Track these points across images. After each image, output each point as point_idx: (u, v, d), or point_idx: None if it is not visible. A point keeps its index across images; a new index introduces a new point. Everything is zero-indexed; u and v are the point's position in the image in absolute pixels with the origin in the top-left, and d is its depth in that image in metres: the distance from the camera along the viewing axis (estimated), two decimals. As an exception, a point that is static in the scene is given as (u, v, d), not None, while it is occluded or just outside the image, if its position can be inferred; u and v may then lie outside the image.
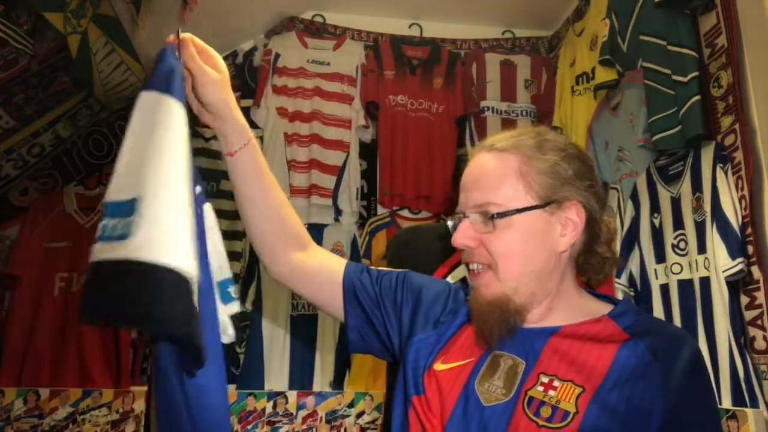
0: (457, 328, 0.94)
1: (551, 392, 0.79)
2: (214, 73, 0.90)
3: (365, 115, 2.72)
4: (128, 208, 0.70)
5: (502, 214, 0.87)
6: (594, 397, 0.77)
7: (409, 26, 2.88)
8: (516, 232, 0.87)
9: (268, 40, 2.77)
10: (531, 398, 0.79)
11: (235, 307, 0.93)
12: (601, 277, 0.94)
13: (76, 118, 2.48)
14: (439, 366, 0.89)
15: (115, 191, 0.72)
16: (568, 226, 0.88)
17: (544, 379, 0.81)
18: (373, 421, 2.28)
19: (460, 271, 1.33)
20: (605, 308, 0.90)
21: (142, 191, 0.71)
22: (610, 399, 0.77)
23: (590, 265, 0.93)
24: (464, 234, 0.90)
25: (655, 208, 1.84)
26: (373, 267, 1.06)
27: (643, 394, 0.77)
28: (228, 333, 0.90)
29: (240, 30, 2.77)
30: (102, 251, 0.69)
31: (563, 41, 2.65)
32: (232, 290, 0.94)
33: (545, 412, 0.77)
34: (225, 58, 2.76)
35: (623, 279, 1.89)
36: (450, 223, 0.96)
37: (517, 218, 0.87)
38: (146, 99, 0.78)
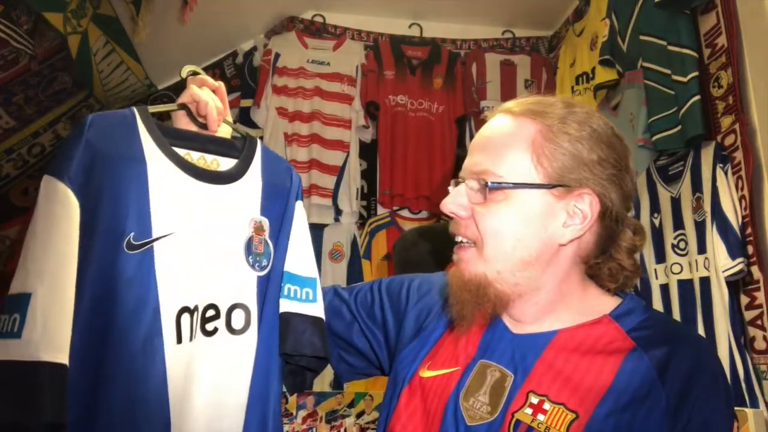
0: (444, 327, 0.86)
1: (540, 416, 0.70)
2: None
3: (365, 115, 2.72)
4: (19, 303, 0.70)
5: (498, 185, 0.75)
6: (587, 427, 0.68)
7: (409, 26, 2.88)
8: (512, 209, 0.75)
9: (268, 40, 2.77)
10: (518, 422, 0.70)
11: (316, 309, 0.91)
12: (614, 287, 0.82)
13: (76, 118, 2.48)
14: (424, 372, 0.81)
15: (13, 285, 0.73)
16: (575, 216, 0.76)
17: (534, 400, 0.71)
18: (373, 421, 2.28)
19: None
20: (609, 305, 0.79)
21: (31, 286, 0.71)
22: (605, 429, 0.68)
23: (602, 272, 0.81)
24: (455, 200, 0.80)
25: (655, 208, 1.84)
26: (342, 286, 1.02)
27: (643, 423, 0.68)
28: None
29: (240, 30, 2.77)
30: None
31: (563, 41, 2.65)
32: (313, 291, 0.92)
33: None
34: (225, 58, 2.79)
35: (623, 279, 1.89)
36: (450, 187, 0.85)
37: (516, 194, 0.75)
38: (45, 183, 0.76)
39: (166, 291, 0.78)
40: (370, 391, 2.34)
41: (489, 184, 0.76)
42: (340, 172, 2.64)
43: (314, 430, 2.25)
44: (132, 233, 0.77)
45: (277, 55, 2.70)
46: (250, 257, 0.88)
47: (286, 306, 0.88)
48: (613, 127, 0.81)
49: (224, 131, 0.94)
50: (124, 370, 0.74)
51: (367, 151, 2.76)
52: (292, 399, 2.28)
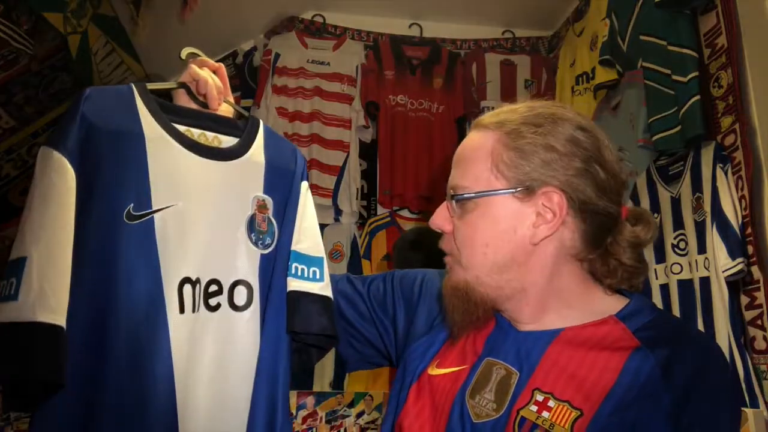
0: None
1: (545, 413, 0.70)
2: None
3: (365, 115, 2.72)
4: (16, 268, 0.71)
5: (461, 196, 0.80)
6: (591, 424, 0.68)
7: (409, 26, 2.88)
8: (480, 218, 0.79)
9: (268, 40, 2.77)
10: (523, 419, 0.71)
11: (325, 288, 0.92)
12: (614, 283, 0.81)
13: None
14: (433, 370, 0.83)
15: (12, 251, 0.74)
16: (546, 215, 0.76)
17: (539, 397, 0.72)
18: (373, 421, 2.28)
19: None
20: (615, 305, 0.78)
21: (27, 251, 0.73)
22: (609, 427, 0.68)
23: (599, 268, 0.80)
24: (439, 216, 0.84)
25: (655, 208, 1.84)
26: (355, 275, 1.03)
27: (647, 421, 0.68)
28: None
29: (240, 30, 2.77)
30: None
31: (563, 41, 2.65)
32: (320, 270, 0.93)
33: None
34: (225, 58, 2.79)
35: (623, 279, 1.89)
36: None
37: (483, 203, 0.79)
38: (41, 153, 0.77)
39: (167, 261, 0.79)
40: (370, 391, 2.34)
41: (455, 196, 0.81)
42: (340, 172, 2.64)
43: (314, 430, 2.25)
44: (131, 204, 0.78)
45: (277, 55, 2.70)
46: (253, 234, 0.88)
47: (293, 285, 0.88)
48: (580, 120, 0.80)
49: (226, 111, 0.94)
50: (127, 337, 0.74)
51: (367, 151, 2.76)
52: (292, 399, 2.28)
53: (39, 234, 0.73)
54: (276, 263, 0.89)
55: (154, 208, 0.79)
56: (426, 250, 1.54)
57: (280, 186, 0.93)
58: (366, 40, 2.85)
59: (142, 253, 0.77)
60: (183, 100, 0.92)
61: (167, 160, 0.82)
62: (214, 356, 0.81)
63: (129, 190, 0.78)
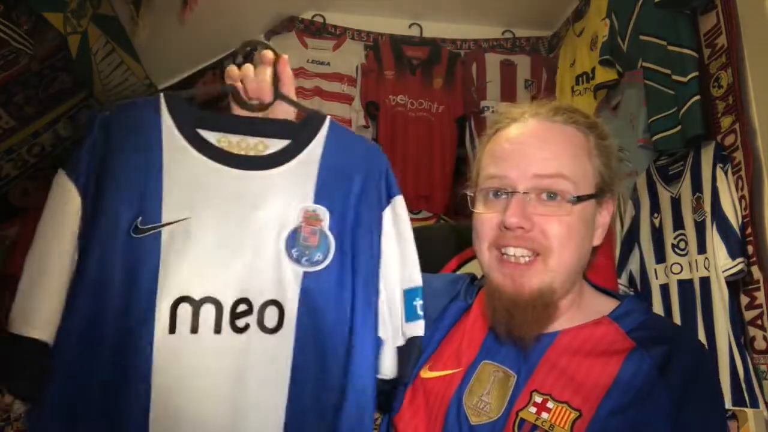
0: (447, 329, 0.87)
1: (545, 415, 0.70)
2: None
3: (365, 115, 2.72)
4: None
5: (581, 198, 0.75)
6: (591, 424, 0.69)
7: (409, 26, 2.88)
8: (574, 218, 0.75)
9: (268, 40, 2.76)
10: (522, 420, 0.71)
11: (419, 328, 0.82)
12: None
13: (76, 118, 2.48)
14: (426, 373, 0.82)
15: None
16: (604, 219, 0.80)
17: (538, 399, 0.72)
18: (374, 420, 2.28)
19: (471, 267, 1.29)
20: (608, 305, 0.81)
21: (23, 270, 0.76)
22: (608, 427, 0.68)
23: None
24: (521, 212, 0.75)
25: (655, 208, 1.84)
26: None
27: (647, 421, 0.69)
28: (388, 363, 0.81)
29: (240, 30, 2.76)
30: None
31: (563, 41, 2.65)
32: (418, 304, 0.83)
33: None
34: (225, 58, 2.78)
35: (623, 279, 1.89)
36: (485, 200, 0.80)
37: (581, 204, 0.76)
38: (56, 176, 0.78)
39: (166, 278, 0.74)
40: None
41: (575, 198, 0.76)
42: (340, 172, 2.64)
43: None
44: (140, 218, 0.76)
45: (277, 55, 2.70)
46: (295, 250, 0.78)
47: (416, 329, 0.81)
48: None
49: (286, 112, 0.88)
50: (110, 356, 0.73)
51: (367, 151, 2.76)
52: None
53: (33, 253, 0.76)
54: (331, 284, 0.79)
55: (162, 222, 0.76)
56: (424, 251, 1.54)
57: (342, 194, 0.82)
58: (366, 40, 2.85)
59: (142, 269, 0.75)
60: (233, 104, 0.87)
61: (185, 172, 0.78)
62: (229, 378, 0.74)
63: (139, 203, 0.76)
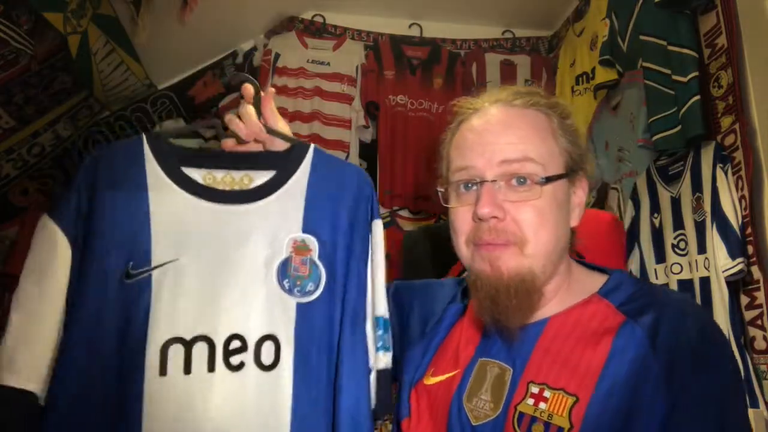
0: (446, 331, 0.86)
1: (542, 405, 0.70)
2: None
3: (365, 115, 2.72)
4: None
5: (550, 179, 0.74)
6: (588, 408, 0.68)
7: (409, 26, 2.88)
8: (546, 201, 0.74)
9: (268, 40, 2.76)
10: (521, 414, 0.71)
11: (388, 360, 0.81)
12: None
13: (76, 118, 2.48)
14: (429, 380, 0.82)
15: None
16: (579, 199, 0.79)
17: (534, 390, 0.71)
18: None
19: None
20: (596, 282, 0.79)
21: (9, 318, 0.74)
22: (605, 407, 0.68)
23: None
24: (492, 201, 0.74)
25: (655, 208, 1.84)
26: None
27: (641, 393, 0.68)
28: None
29: (240, 30, 2.77)
30: None
31: (563, 41, 2.65)
32: (387, 336, 0.81)
33: (537, 429, 0.69)
34: (225, 58, 2.78)
35: (623, 279, 1.89)
36: (456, 194, 0.79)
37: (551, 185, 0.75)
38: (41, 221, 0.77)
39: (157, 321, 0.74)
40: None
41: (543, 179, 0.75)
42: (340, 172, 2.63)
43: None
44: (131, 263, 0.75)
45: (277, 55, 2.70)
46: (286, 281, 0.78)
47: (383, 361, 0.80)
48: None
49: (277, 142, 0.87)
50: (103, 402, 0.72)
51: (367, 151, 2.76)
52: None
53: (21, 300, 0.74)
54: (324, 314, 0.79)
55: (152, 265, 0.75)
56: (424, 251, 1.54)
57: (329, 222, 0.82)
58: (366, 40, 2.85)
59: (134, 314, 0.74)
60: (229, 142, 0.87)
61: (171, 211, 0.77)
62: (225, 420, 0.73)
63: (129, 248, 0.75)
